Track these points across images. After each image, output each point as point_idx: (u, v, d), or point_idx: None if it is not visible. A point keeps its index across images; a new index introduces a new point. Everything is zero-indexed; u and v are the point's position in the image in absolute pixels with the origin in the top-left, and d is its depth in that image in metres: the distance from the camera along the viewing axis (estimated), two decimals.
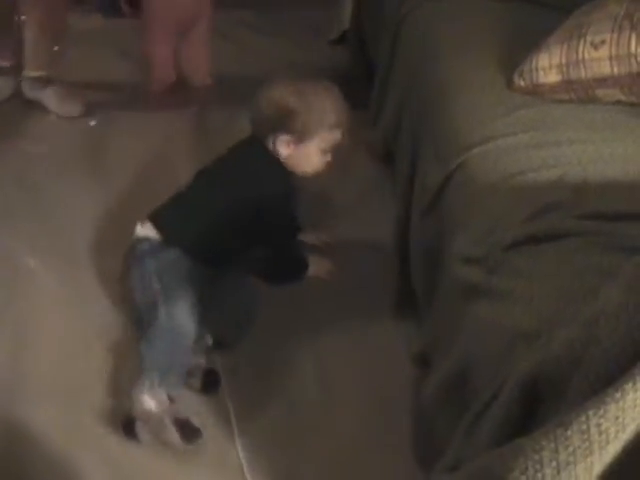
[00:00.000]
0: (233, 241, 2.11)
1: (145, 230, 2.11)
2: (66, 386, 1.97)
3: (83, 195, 2.62)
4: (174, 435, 1.82)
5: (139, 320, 2.02)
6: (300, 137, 2.10)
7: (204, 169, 2.21)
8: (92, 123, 3.00)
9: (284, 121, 2.09)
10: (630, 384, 0.99)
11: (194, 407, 1.93)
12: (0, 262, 2.33)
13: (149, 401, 1.85)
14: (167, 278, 2.02)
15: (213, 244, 2.10)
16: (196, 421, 1.86)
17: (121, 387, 1.96)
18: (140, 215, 2.24)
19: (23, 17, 2.90)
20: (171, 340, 1.92)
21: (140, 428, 1.84)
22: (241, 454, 1.83)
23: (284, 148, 2.11)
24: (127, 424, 1.86)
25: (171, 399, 1.88)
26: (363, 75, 3.19)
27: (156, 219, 2.12)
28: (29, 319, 2.15)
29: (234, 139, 2.21)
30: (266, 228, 2.10)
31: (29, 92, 3.06)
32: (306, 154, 2.13)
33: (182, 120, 3.04)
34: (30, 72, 3.04)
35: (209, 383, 2.00)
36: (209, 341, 2.06)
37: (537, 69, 2.00)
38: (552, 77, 1.98)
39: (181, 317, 1.95)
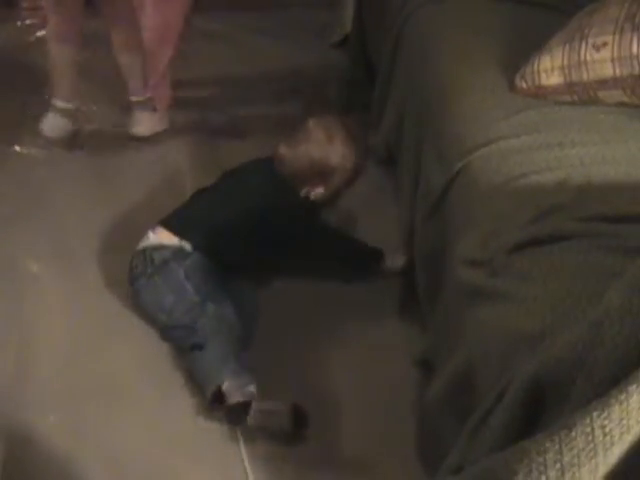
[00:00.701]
0: (247, 245, 2.18)
1: (159, 237, 2.14)
2: (70, 391, 1.97)
3: (88, 200, 2.62)
4: (285, 419, 1.83)
5: (174, 328, 2.05)
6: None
7: (215, 185, 2.29)
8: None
9: (324, 177, 2.23)
10: (635, 386, 0.99)
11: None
12: (5, 268, 2.33)
13: (236, 394, 1.86)
14: (197, 280, 2.07)
15: (229, 244, 2.16)
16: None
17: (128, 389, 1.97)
18: (144, 219, 2.25)
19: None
20: (226, 334, 1.98)
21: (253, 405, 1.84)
22: (244, 453, 1.83)
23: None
24: (235, 408, 1.85)
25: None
26: (364, 78, 3.19)
27: (170, 224, 2.17)
28: (34, 324, 2.14)
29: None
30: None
31: None
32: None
33: (186, 121, 3.04)
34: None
35: None
36: None
37: (539, 71, 2.00)
38: (554, 79, 1.98)
39: (227, 312, 2.03)
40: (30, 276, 2.32)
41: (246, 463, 1.81)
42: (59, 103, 2.86)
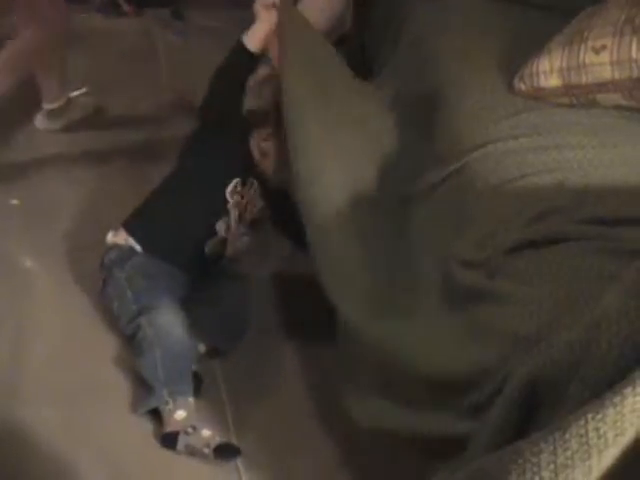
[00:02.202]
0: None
1: (115, 238, 2.13)
2: (65, 386, 1.96)
3: (82, 194, 2.62)
4: (206, 451, 1.80)
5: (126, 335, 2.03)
6: None
7: (172, 172, 2.24)
8: None
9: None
10: (630, 389, 0.99)
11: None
12: None
13: (174, 412, 1.85)
14: (138, 285, 2.03)
15: (185, 244, 2.12)
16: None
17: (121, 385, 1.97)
18: None
19: None
20: (162, 349, 1.92)
21: (180, 439, 1.82)
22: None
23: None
24: (166, 437, 1.84)
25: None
26: (362, 78, 3.19)
27: (127, 223, 2.15)
28: (28, 320, 2.14)
29: None
30: None
31: None
32: None
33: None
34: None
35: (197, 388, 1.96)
36: (202, 349, 2.05)
37: (538, 73, 1.99)
38: (553, 81, 1.98)
39: (164, 323, 1.95)
40: (24, 271, 2.32)
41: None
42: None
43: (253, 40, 2.12)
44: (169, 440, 1.83)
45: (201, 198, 2.15)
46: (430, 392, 1.45)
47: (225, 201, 2.13)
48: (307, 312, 2.13)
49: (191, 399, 1.88)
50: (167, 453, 1.82)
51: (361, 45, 3.24)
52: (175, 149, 2.28)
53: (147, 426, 1.89)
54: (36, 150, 2.84)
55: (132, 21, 3.68)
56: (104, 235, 2.16)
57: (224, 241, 2.15)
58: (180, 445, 1.81)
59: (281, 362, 2.06)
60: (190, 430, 1.81)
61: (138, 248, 2.10)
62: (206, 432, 1.82)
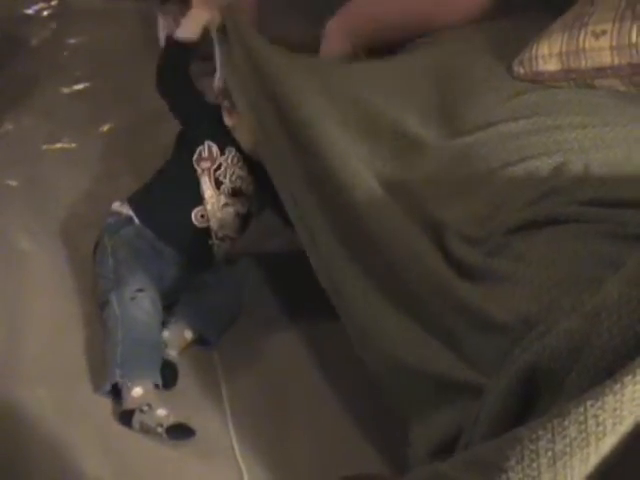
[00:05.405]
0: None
1: (119, 207, 2.15)
2: (61, 367, 1.96)
3: (78, 175, 2.61)
4: (159, 430, 1.79)
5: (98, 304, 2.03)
6: None
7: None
8: None
9: None
10: (630, 377, 0.99)
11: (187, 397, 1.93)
12: None
13: (131, 390, 1.83)
14: (120, 255, 2.04)
15: (174, 218, 2.13)
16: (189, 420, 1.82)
17: None
18: None
19: None
20: (124, 331, 1.91)
21: (135, 417, 1.81)
22: (234, 442, 1.82)
23: None
24: (123, 415, 1.83)
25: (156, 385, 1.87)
26: None
27: (131, 197, 2.17)
28: (23, 301, 2.14)
29: None
30: None
31: None
32: None
33: None
34: None
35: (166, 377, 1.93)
36: (188, 335, 2.03)
37: (537, 57, 1.99)
38: (552, 65, 1.98)
39: (131, 305, 1.94)
40: (18, 252, 2.31)
41: (234, 443, 1.82)
42: None
43: (187, 29, 2.17)
44: (125, 418, 1.82)
45: (178, 171, 2.18)
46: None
47: (194, 170, 2.14)
48: (305, 293, 2.12)
49: (150, 382, 1.86)
50: (164, 440, 1.82)
51: None
52: (175, 130, 2.27)
53: None
54: (32, 131, 2.82)
55: (131, 3, 3.64)
56: (102, 216, 2.16)
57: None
58: (135, 423, 1.80)
59: (279, 345, 2.05)
60: (145, 408, 1.80)
61: (135, 220, 2.11)
62: (161, 412, 1.80)
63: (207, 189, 2.13)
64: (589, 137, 1.76)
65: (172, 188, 2.17)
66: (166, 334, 1.99)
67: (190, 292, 2.11)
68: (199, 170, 2.14)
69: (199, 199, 2.12)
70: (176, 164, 2.20)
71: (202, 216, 2.12)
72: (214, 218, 2.13)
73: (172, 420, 1.80)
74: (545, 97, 1.94)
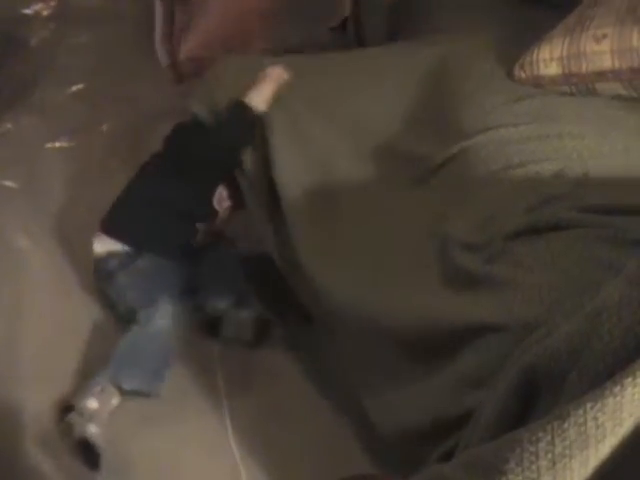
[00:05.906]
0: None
1: (105, 245, 2.09)
2: (58, 367, 1.97)
3: (77, 174, 2.60)
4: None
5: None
6: None
7: (145, 164, 2.24)
8: None
9: None
10: (630, 379, 0.99)
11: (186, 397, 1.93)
12: None
13: (94, 399, 1.84)
14: (142, 286, 2.03)
15: (175, 236, 2.12)
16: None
17: None
18: None
19: None
20: (147, 341, 1.93)
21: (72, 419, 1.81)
22: (233, 442, 1.83)
23: None
24: (66, 409, 1.84)
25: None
26: None
27: (112, 229, 2.10)
28: (21, 300, 2.14)
29: None
30: None
31: None
32: None
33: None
34: None
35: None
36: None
37: (538, 61, 1.99)
38: (552, 69, 1.97)
39: (159, 320, 1.96)
40: (17, 252, 2.31)
41: (231, 440, 1.82)
42: None
43: (259, 99, 2.11)
44: (66, 410, 1.83)
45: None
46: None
47: None
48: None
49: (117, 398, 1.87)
50: (161, 431, 1.83)
51: (359, 29, 3.23)
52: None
53: (140, 404, 1.89)
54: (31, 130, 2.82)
55: (131, 3, 3.64)
56: (98, 215, 2.15)
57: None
58: (69, 418, 1.81)
59: (279, 347, 2.06)
60: (86, 416, 1.81)
61: (131, 251, 2.08)
62: (93, 427, 1.80)
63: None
64: (588, 146, 1.76)
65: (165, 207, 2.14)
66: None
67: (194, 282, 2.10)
68: None
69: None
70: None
71: None
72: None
73: (93, 440, 1.78)
74: (546, 104, 1.94)
